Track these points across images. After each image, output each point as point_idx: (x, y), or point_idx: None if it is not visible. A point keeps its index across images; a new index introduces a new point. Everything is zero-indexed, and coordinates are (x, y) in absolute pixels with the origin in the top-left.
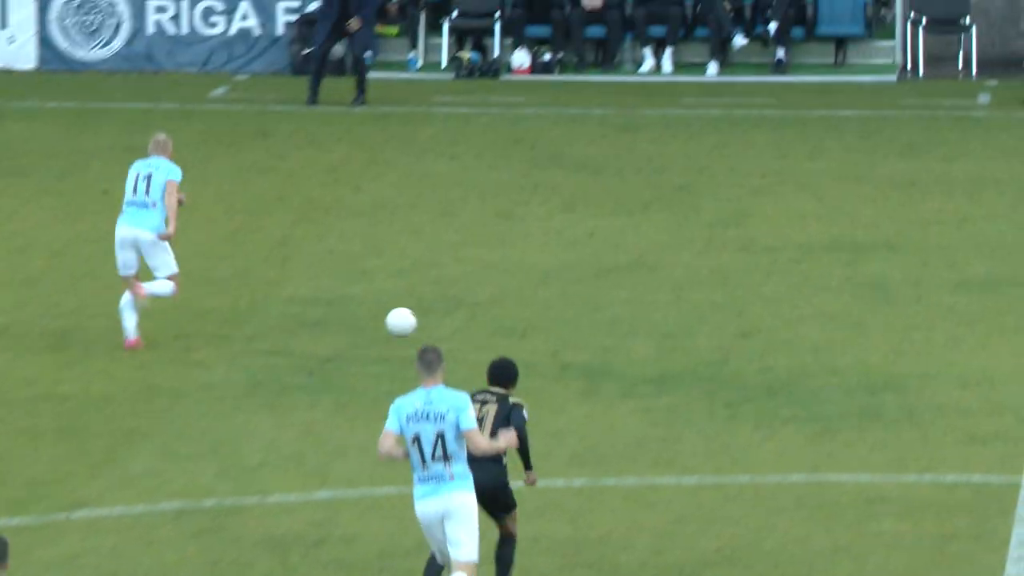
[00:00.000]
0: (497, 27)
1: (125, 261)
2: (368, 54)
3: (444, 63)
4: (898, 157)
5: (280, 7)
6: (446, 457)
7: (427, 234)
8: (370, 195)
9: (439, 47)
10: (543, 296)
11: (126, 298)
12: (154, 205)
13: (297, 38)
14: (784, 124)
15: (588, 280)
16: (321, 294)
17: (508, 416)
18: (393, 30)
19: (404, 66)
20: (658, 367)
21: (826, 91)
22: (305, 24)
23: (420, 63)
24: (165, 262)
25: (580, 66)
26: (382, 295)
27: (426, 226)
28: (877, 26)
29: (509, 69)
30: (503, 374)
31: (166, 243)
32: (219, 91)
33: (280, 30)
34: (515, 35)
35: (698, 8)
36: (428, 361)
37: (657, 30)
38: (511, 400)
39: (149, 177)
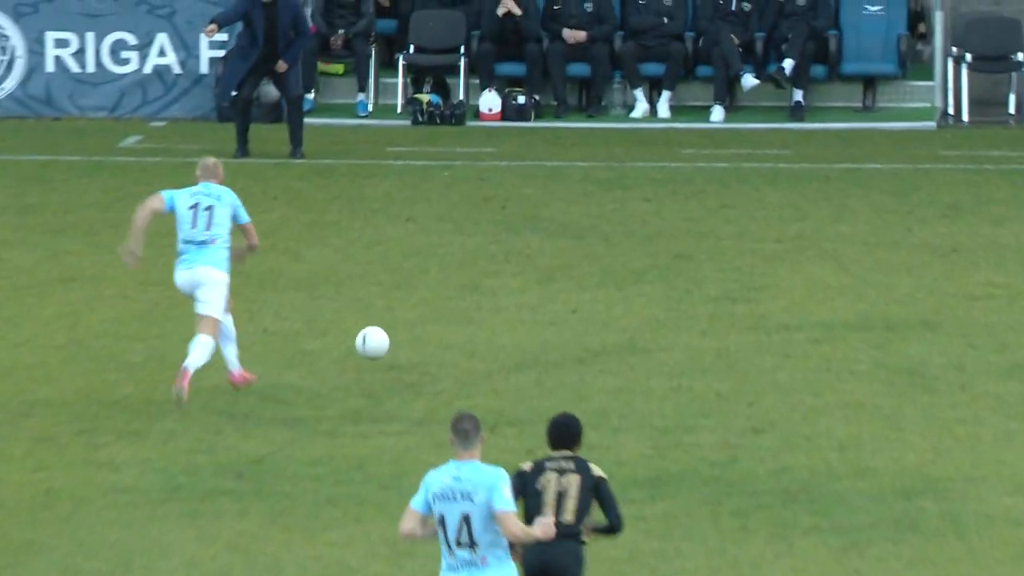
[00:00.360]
0: (462, 64)
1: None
2: (307, 97)
3: (399, 107)
4: (938, 219)
5: (204, 41)
6: (472, 544)
7: (379, 310)
8: (311, 264)
9: (393, 88)
10: (517, 384)
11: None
12: (215, 241)
13: (224, 74)
14: (803, 179)
15: (570, 365)
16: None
17: (595, 489)
18: (338, 68)
19: (351, 111)
20: (653, 468)
21: (852, 140)
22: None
23: (371, 107)
24: (215, 302)
25: (560, 111)
26: (325, 382)
27: (377, 301)
28: (913, 64)
29: (476, 114)
30: (570, 433)
31: (225, 285)
32: (131, 140)
33: (204, 68)
34: (483, 74)
35: (700, 42)
36: (464, 431)
37: (652, 68)
38: (593, 470)
39: (211, 209)
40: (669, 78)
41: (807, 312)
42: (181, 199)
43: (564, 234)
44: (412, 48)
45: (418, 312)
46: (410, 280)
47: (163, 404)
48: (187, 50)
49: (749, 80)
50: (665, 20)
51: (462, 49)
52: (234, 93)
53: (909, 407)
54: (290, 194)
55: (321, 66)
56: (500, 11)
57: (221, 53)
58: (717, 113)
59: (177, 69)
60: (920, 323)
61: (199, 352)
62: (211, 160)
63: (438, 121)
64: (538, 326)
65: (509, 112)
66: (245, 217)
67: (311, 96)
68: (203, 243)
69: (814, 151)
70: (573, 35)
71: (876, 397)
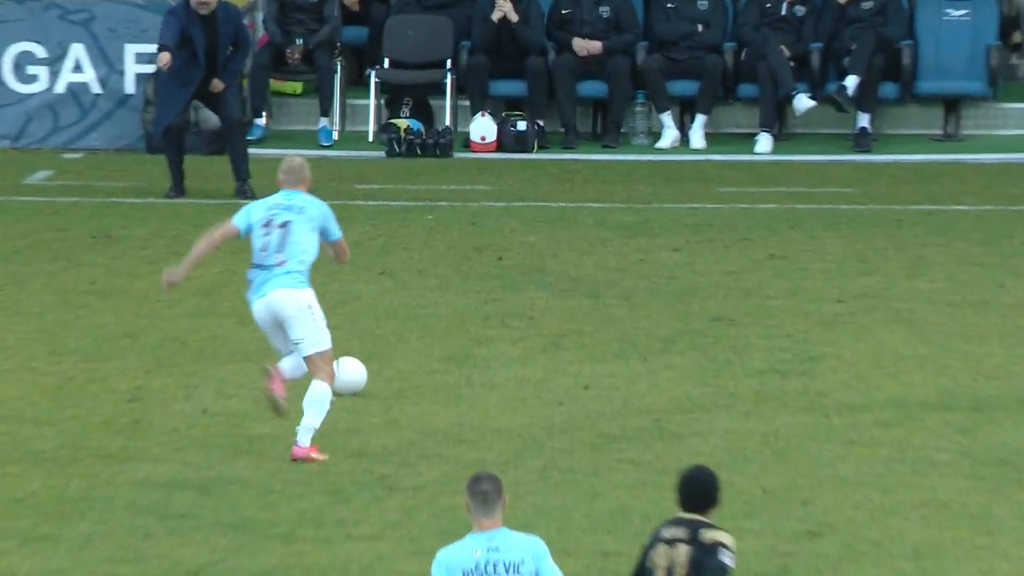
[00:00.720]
0: (448, 82)
1: (279, 345)
2: (257, 123)
3: (371, 135)
4: None
5: (130, 53)
6: None
7: None
8: None
9: (363, 111)
10: (516, 478)
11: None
12: (284, 264)
13: (157, 102)
14: (870, 224)
15: (582, 453)
16: (190, 475)
17: (702, 562)
18: (295, 86)
19: (312, 139)
20: None
21: (931, 176)
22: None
23: (335, 135)
24: (312, 334)
25: (570, 140)
26: (278, 475)
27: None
28: (1005, 81)
29: (466, 144)
30: (701, 493)
31: (314, 307)
32: (40, 175)
33: (129, 86)
34: (475, 94)
35: (743, 55)
36: (484, 494)
37: (683, 87)
38: (706, 535)
39: (287, 226)
40: (704, 99)
41: (875, 389)
42: (256, 213)
43: (575, 291)
44: (387, 62)
45: (394, 388)
46: (385, 349)
47: (78, 502)
48: (109, 65)
49: (803, 102)
50: (699, 28)
51: (448, 63)
52: (169, 121)
53: (1001, 506)
54: (235, 242)
55: (275, 84)
56: (496, 15)
57: (151, 69)
58: (764, 142)
59: (96, 88)
60: (1015, 402)
61: (314, 410)
62: (297, 161)
63: (419, 152)
64: (542, 405)
65: (506, 141)
66: (336, 233)
67: (262, 121)
68: (271, 267)
69: (883, 189)
70: (585, 46)
71: (961, 494)
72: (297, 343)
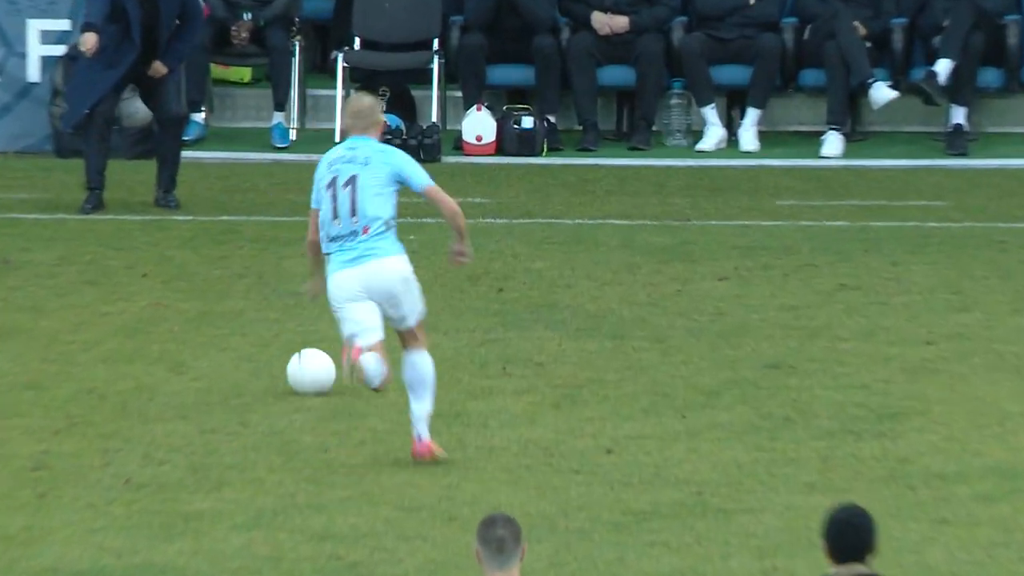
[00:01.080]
0: (435, 67)
1: (368, 322)
2: (194, 118)
3: (338, 134)
4: None
5: (33, 31)
6: None
7: (309, 448)
8: (200, 379)
9: (329, 105)
10: (521, 565)
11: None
12: (368, 230)
13: (68, 89)
14: (966, 246)
15: (604, 534)
16: (109, 561)
17: None
18: (242, 73)
19: (264, 140)
20: None
21: None
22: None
23: (293, 134)
24: (415, 307)
25: (588, 140)
26: (220, 562)
27: (305, 435)
28: None
29: (457, 145)
30: (858, 536)
31: (414, 278)
32: None
33: (33, 74)
34: (469, 83)
35: (807, 34)
36: (499, 541)
37: (731, 73)
38: None
39: (354, 181)
40: (758, 89)
41: (973, 454)
42: (320, 175)
43: (594, 331)
44: (357, 42)
45: (368, 452)
46: (355, 403)
47: None
48: (6, 46)
49: (882, 92)
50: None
51: (436, 44)
52: (83, 113)
53: None
54: (167, 270)
55: (216, 71)
56: None
57: (61, 50)
58: (832, 143)
59: None
60: None
61: (430, 393)
62: (366, 101)
63: None
64: (554, 473)
65: (509, 141)
66: (420, 179)
67: (200, 117)
68: (351, 236)
69: (983, 202)
70: (608, 22)
71: None
72: (404, 318)
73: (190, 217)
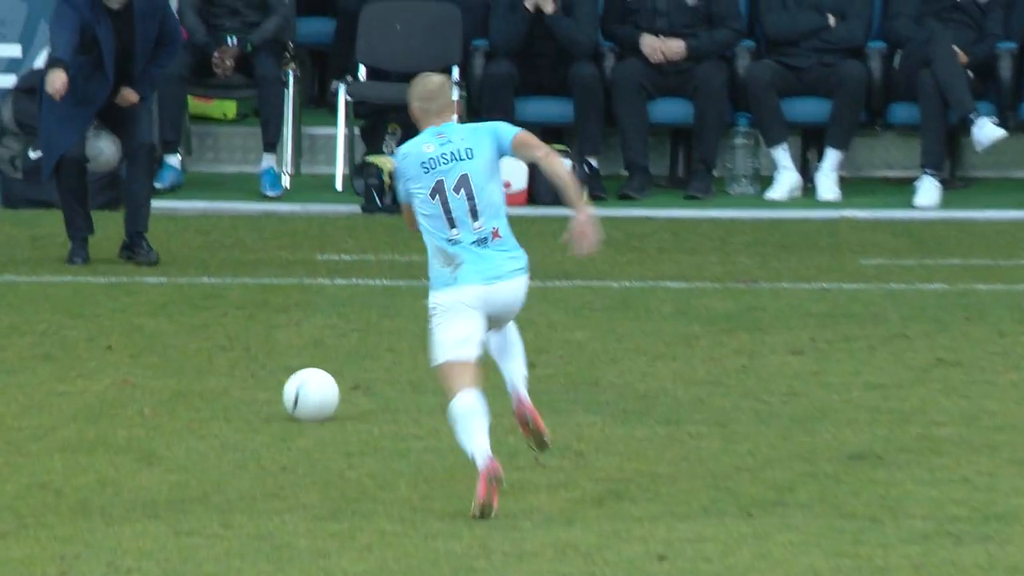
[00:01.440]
0: (455, 100)
1: (469, 334)
2: (168, 162)
3: (338, 180)
4: None
5: None
6: None
7: (306, 564)
8: (184, 472)
9: (329, 144)
10: None
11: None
12: (498, 230)
13: (17, 124)
14: None
15: None
16: None
17: None
18: (227, 108)
19: (252, 187)
20: None
21: None
22: (28, 94)
23: (287, 181)
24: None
25: (636, 187)
26: None
27: (299, 541)
28: None
29: None
30: None
31: None
32: None
33: None
34: (494, 118)
35: (897, 61)
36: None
37: (807, 108)
38: None
39: (466, 179)
40: (838, 127)
41: None
42: (409, 171)
43: (644, 415)
44: (363, 71)
45: (374, 561)
46: (358, 502)
47: None
48: None
49: (987, 130)
50: (831, 20)
51: (456, 72)
52: (39, 154)
53: None
54: (135, 341)
55: (196, 105)
56: (528, 1)
57: (11, 81)
58: (927, 191)
59: None
60: None
61: (519, 355)
62: (435, 80)
63: None
64: None
65: (542, 189)
66: (509, 134)
67: (175, 160)
68: (479, 244)
69: None
70: (661, 47)
71: None
72: (503, 324)
73: (164, 279)
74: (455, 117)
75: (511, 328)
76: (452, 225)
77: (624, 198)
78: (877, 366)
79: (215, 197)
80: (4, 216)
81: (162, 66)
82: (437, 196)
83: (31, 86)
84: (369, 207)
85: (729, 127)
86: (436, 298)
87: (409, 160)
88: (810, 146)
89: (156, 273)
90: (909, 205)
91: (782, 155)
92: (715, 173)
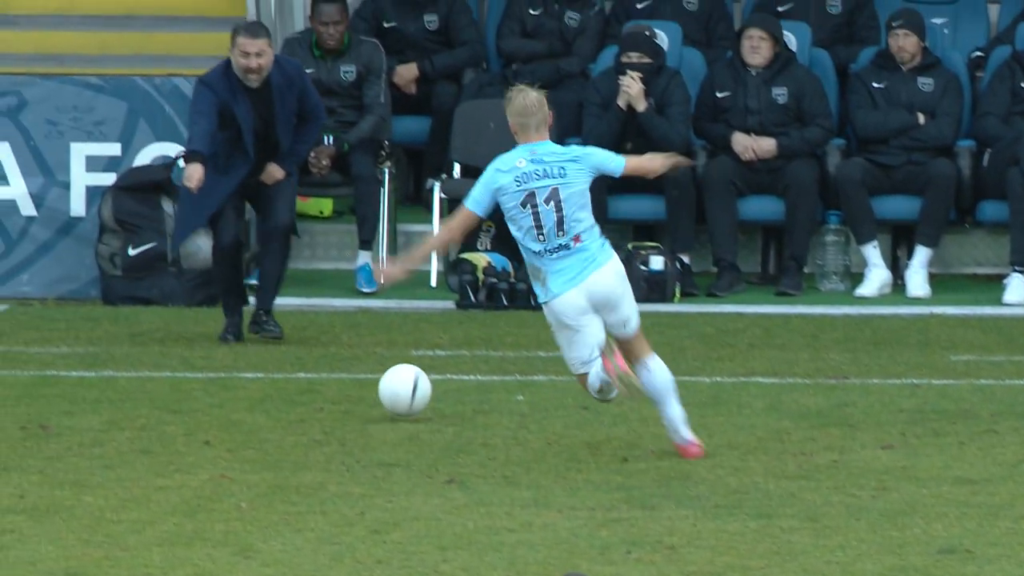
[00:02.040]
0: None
1: (590, 350)
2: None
3: (433, 277)
4: None
5: (78, 155)
6: None
7: None
8: (281, 565)
9: (423, 240)
10: None
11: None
12: (582, 240)
13: (117, 222)
14: None
15: None
16: None
17: None
18: (324, 205)
19: (346, 283)
20: None
21: None
22: (128, 192)
23: (382, 278)
24: (634, 311)
25: (726, 284)
26: None
27: None
28: None
29: None
30: None
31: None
32: None
33: (78, 207)
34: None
35: (986, 159)
36: None
37: (897, 206)
38: None
39: (556, 194)
40: (928, 224)
41: None
42: (505, 190)
43: (736, 509)
44: (457, 169)
45: None
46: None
47: None
48: (47, 174)
49: None
50: (921, 119)
51: None
52: (200, 225)
53: None
54: (233, 436)
55: (298, 202)
56: (620, 99)
57: (110, 180)
58: (1017, 288)
59: (28, 209)
60: None
61: (676, 395)
62: (532, 97)
63: (505, 301)
64: None
65: (634, 285)
66: (617, 163)
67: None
68: (561, 250)
69: None
70: (752, 145)
71: None
72: (625, 321)
73: (261, 374)
74: (549, 132)
75: (661, 367)
76: (539, 233)
77: (711, 295)
78: (967, 461)
79: (311, 293)
80: (104, 313)
81: (307, 142)
82: (528, 207)
83: (130, 184)
84: (463, 303)
85: (820, 224)
86: (546, 313)
87: (502, 173)
88: (900, 243)
89: (253, 368)
90: (998, 302)
91: (872, 252)
92: (806, 270)
